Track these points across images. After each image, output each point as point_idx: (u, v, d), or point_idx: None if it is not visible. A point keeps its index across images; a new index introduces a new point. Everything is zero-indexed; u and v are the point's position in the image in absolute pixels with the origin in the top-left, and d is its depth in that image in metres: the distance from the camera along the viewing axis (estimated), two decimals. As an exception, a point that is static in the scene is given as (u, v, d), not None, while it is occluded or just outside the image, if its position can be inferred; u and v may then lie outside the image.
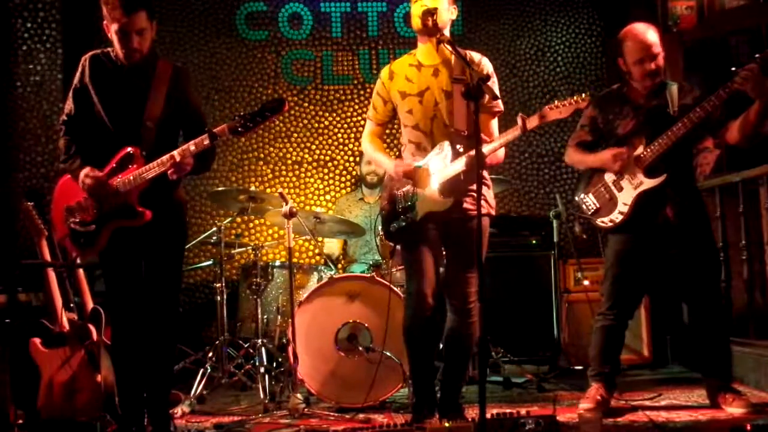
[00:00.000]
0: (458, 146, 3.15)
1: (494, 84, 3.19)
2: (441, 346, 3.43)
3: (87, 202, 3.08)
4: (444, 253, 3.33)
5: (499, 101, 3.26)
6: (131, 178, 3.02)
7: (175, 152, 2.99)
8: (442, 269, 3.33)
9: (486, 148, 3.06)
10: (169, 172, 2.99)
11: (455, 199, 3.17)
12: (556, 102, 3.07)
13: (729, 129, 3.45)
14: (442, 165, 3.16)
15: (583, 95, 3.08)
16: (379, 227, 3.44)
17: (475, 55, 3.27)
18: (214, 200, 5.19)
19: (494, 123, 3.31)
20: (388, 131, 5.15)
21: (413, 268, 3.27)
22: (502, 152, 3.25)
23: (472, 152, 2.98)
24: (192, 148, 2.98)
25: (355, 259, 5.05)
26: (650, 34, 3.51)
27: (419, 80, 3.28)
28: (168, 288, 3.17)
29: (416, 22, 3.22)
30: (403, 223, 3.24)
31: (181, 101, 3.16)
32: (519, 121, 3.04)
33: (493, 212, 3.30)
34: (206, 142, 2.98)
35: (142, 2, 2.99)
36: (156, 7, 3.17)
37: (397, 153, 3.50)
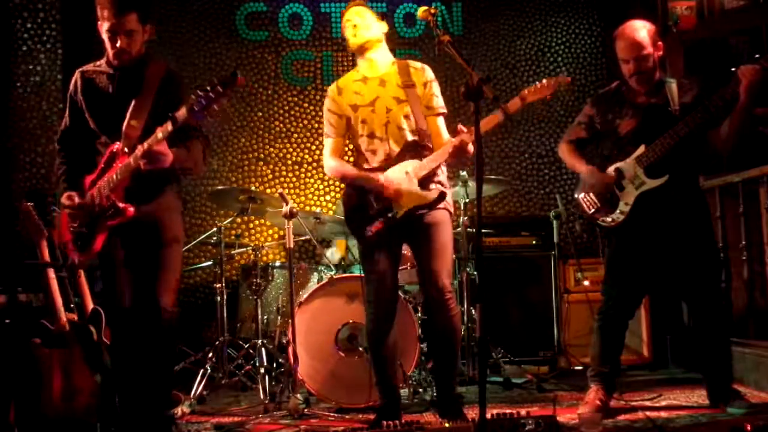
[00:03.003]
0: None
1: (437, 88, 3.40)
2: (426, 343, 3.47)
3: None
4: (411, 252, 3.45)
5: (442, 103, 3.43)
6: (108, 179, 3.02)
7: (144, 143, 2.94)
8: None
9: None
10: (141, 163, 2.93)
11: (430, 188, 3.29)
12: (537, 84, 3.29)
13: (714, 136, 3.44)
14: (416, 162, 3.28)
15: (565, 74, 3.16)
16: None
17: (417, 64, 3.44)
18: (214, 200, 5.17)
19: (440, 121, 3.41)
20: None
21: (370, 277, 3.38)
22: (471, 147, 3.27)
23: (440, 151, 3.26)
24: (159, 135, 2.91)
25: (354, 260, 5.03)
26: (639, 34, 3.45)
27: (368, 92, 3.41)
28: (163, 287, 3.15)
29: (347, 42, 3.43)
30: (380, 224, 3.27)
31: (172, 103, 3.14)
32: (500, 114, 3.19)
33: (451, 209, 3.39)
34: (170, 127, 2.89)
35: (133, 4, 2.99)
36: (156, 7, 3.17)
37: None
